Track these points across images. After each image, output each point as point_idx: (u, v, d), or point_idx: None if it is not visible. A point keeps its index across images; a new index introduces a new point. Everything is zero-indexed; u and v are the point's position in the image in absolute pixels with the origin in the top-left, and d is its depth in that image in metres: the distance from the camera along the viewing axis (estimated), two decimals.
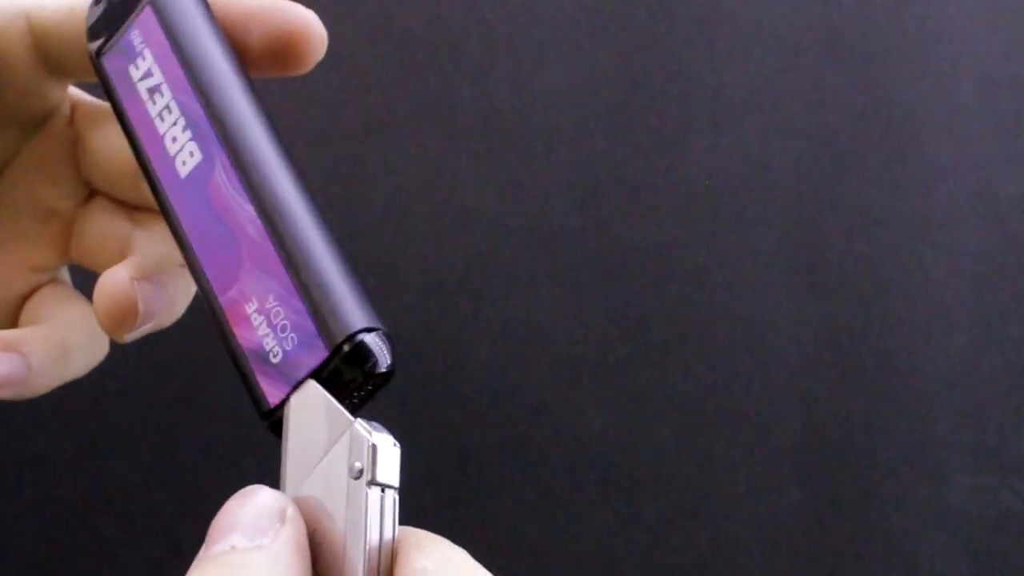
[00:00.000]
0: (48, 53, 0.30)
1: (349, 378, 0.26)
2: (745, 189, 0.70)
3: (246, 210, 0.27)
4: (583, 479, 0.69)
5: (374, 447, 0.25)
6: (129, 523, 0.66)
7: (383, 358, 0.27)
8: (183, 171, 0.28)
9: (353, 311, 0.27)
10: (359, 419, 0.25)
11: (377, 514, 0.24)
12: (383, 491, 0.24)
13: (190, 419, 0.67)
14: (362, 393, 0.27)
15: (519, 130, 0.69)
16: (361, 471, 0.24)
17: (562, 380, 0.69)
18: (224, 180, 0.27)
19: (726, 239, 0.70)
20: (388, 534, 0.24)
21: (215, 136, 0.28)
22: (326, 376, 0.26)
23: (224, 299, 0.27)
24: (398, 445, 0.26)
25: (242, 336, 0.26)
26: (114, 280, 0.28)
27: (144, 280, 0.28)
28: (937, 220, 0.71)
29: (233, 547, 0.23)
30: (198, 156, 0.28)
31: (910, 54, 0.71)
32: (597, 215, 0.69)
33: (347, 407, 0.26)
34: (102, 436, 0.66)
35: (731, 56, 0.70)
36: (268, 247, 0.27)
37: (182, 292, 0.30)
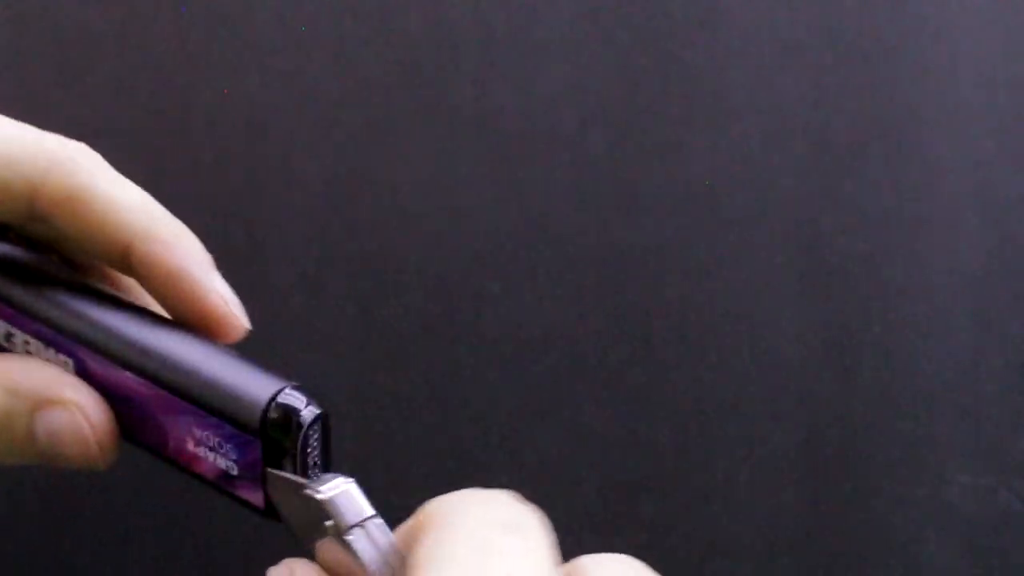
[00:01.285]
0: None
1: (289, 445, 0.27)
2: (745, 189, 0.70)
3: (127, 376, 0.29)
4: (582, 479, 0.69)
5: (329, 502, 0.26)
6: (129, 522, 0.66)
7: (306, 407, 0.28)
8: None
9: (250, 391, 0.28)
10: (309, 481, 0.27)
11: (370, 549, 0.26)
12: (363, 526, 0.26)
13: None
14: (314, 448, 0.28)
15: (519, 130, 0.69)
16: (334, 526, 0.26)
17: (562, 380, 0.69)
18: (99, 366, 0.29)
19: (726, 239, 0.70)
20: (388, 550, 0.26)
21: (67, 339, 0.30)
22: (273, 457, 0.27)
23: (170, 452, 0.29)
24: (351, 480, 0.27)
25: (204, 470, 0.28)
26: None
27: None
28: (937, 220, 0.71)
29: None
30: (69, 360, 0.30)
31: (910, 54, 0.71)
32: (597, 215, 0.69)
33: (312, 467, 0.28)
34: None
35: (731, 56, 0.70)
36: (161, 393, 0.28)
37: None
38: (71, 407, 0.28)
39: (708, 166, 0.70)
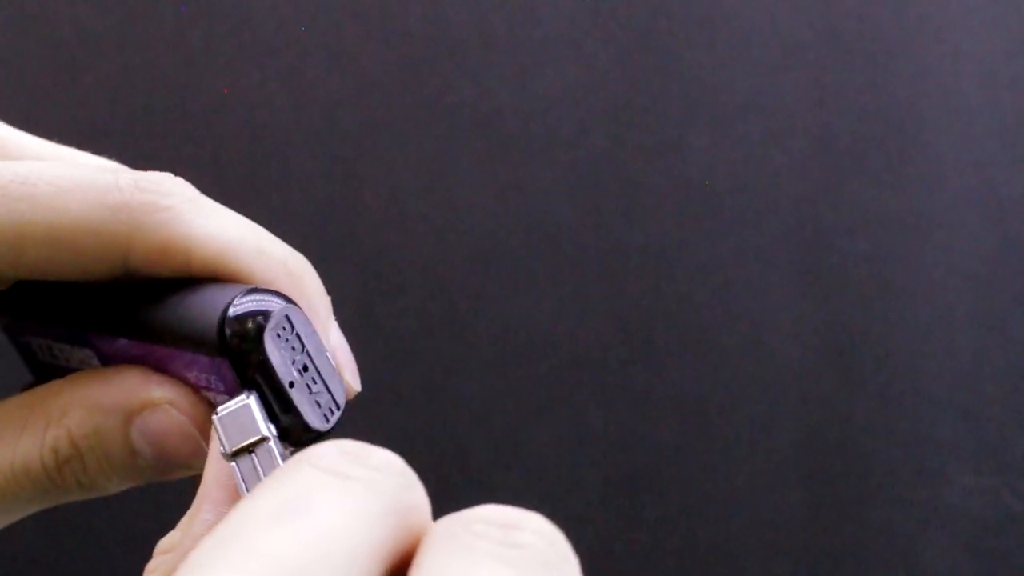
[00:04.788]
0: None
1: (255, 357, 0.25)
2: (745, 189, 0.70)
3: (123, 344, 0.27)
4: (583, 479, 0.69)
5: (215, 422, 0.24)
6: (129, 523, 0.66)
7: (265, 305, 0.25)
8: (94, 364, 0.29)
9: (207, 312, 0.26)
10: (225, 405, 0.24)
11: (253, 477, 0.23)
12: (251, 452, 0.23)
13: None
14: (295, 349, 0.26)
15: (519, 130, 0.69)
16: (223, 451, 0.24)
17: (562, 380, 0.69)
18: (114, 347, 0.28)
19: (726, 239, 0.70)
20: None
21: (81, 335, 0.29)
22: (247, 375, 0.25)
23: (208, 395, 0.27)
24: (251, 394, 0.24)
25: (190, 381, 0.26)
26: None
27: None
28: (938, 220, 0.71)
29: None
30: (89, 353, 0.28)
31: (911, 53, 0.71)
32: (597, 215, 0.69)
33: (303, 370, 0.26)
34: None
35: (731, 56, 0.70)
36: (148, 348, 0.27)
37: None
38: (163, 405, 0.26)
39: (708, 166, 0.70)
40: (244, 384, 0.25)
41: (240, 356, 0.25)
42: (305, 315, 0.26)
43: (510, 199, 0.69)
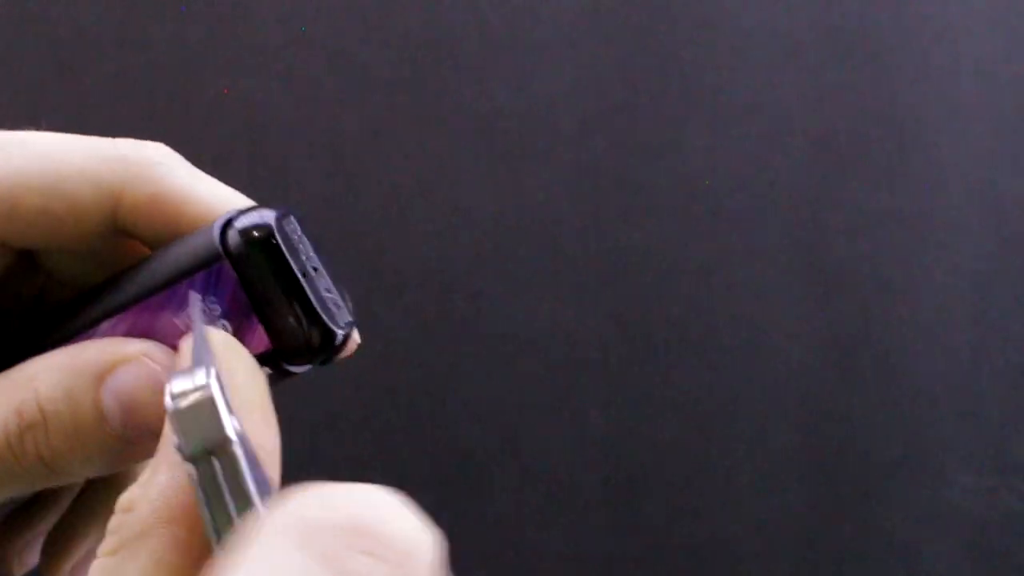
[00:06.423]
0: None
1: (282, 264, 0.24)
2: (745, 189, 0.70)
3: (114, 321, 0.26)
4: (583, 479, 0.69)
5: (170, 415, 0.20)
6: None
7: (266, 218, 0.24)
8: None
9: (199, 236, 0.25)
10: (177, 378, 0.20)
11: (215, 491, 0.19)
12: (213, 457, 0.19)
13: None
14: (303, 248, 0.25)
15: (519, 130, 0.69)
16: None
17: (562, 380, 0.69)
18: (133, 318, 0.27)
19: (726, 239, 0.70)
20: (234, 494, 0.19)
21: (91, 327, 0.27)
22: (254, 283, 0.24)
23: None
24: (211, 375, 0.20)
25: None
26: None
27: None
28: (938, 220, 0.71)
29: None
30: (114, 322, 0.27)
31: (911, 53, 0.71)
32: (597, 215, 0.69)
33: (315, 272, 0.24)
34: None
35: (731, 56, 0.70)
36: (141, 307, 0.26)
37: None
38: (139, 358, 0.25)
39: (708, 166, 0.70)
40: (250, 289, 0.23)
41: (249, 257, 0.23)
42: (304, 224, 0.25)
43: (510, 199, 0.69)
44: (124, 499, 0.21)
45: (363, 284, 0.67)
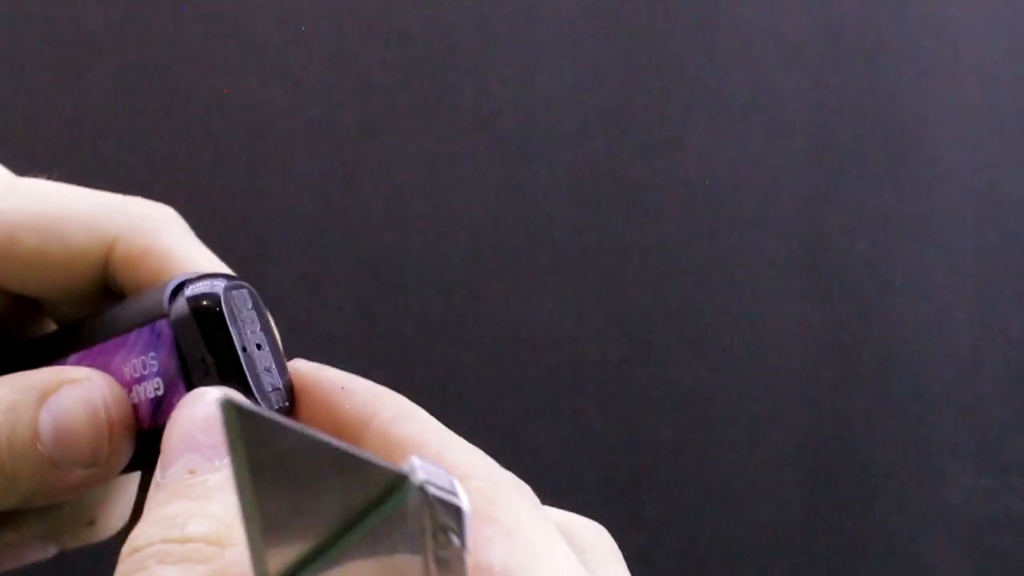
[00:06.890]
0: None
1: (220, 334, 0.24)
2: (745, 189, 0.70)
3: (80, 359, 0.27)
4: (583, 479, 0.69)
5: (461, 512, 0.18)
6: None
7: (216, 287, 0.25)
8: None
9: (152, 295, 0.25)
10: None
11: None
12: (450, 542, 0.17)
13: None
14: (248, 324, 0.25)
15: (519, 130, 0.69)
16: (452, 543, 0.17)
17: (561, 380, 0.69)
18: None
19: (726, 239, 0.70)
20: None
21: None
22: (212, 357, 0.24)
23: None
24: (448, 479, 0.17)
25: (142, 415, 0.25)
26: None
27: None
28: (938, 220, 0.71)
29: (191, 471, 0.21)
30: (77, 359, 0.28)
31: (911, 53, 0.71)
32: (597, 215, 0.69)
33: (258, 347, 0.25)
34: None
35: (731, 56, 0.70)
36: (92, 351, 0.27)
37: None
38: (83, 381, 0.26)
39: (708, 166, 0.70)
40: (183, 353, 0.24)
41: (188, 323, 0.24)
42: (260, 301, 0.26)
43: (510, 199, 0.69)
44: (139, 540, 0.21)
45: (363, 284, 0.67)
